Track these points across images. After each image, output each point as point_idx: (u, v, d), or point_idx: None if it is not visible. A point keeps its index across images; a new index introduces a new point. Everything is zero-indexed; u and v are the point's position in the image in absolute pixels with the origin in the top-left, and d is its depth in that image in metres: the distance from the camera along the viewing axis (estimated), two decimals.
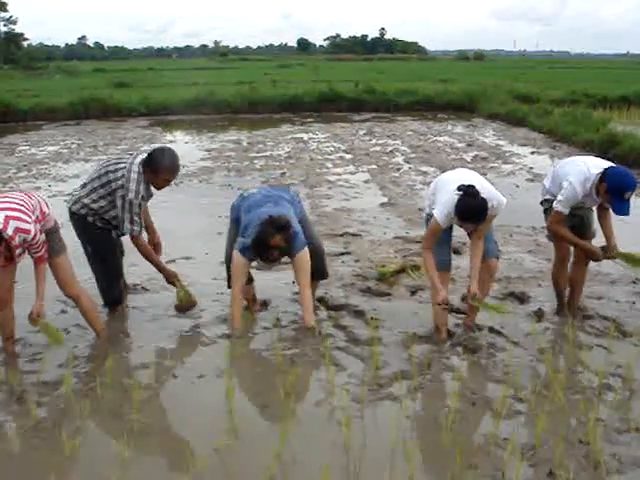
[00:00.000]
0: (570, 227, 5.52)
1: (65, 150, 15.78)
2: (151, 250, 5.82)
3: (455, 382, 4.64)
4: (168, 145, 5.34)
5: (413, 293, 6.46)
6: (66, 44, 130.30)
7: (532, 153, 14.99)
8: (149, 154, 5.68)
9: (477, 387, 4.68)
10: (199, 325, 5.75)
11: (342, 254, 7.55)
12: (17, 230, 4.51)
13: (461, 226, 5.10)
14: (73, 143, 16.96)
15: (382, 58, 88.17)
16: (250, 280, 5.93)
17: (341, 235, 8.32)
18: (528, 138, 17.25)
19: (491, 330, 5.55)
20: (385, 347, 5.27)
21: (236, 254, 5.48)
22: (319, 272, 5.89)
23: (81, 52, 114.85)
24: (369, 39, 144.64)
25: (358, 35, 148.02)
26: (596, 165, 5.31)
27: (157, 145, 5.63)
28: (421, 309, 6.06)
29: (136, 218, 5.51)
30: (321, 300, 6.22)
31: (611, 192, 5.12)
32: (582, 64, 67.96)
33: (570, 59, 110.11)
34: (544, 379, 4.74)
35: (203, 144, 16.76)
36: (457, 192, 4.91)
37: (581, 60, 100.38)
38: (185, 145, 16.80)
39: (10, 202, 4.66)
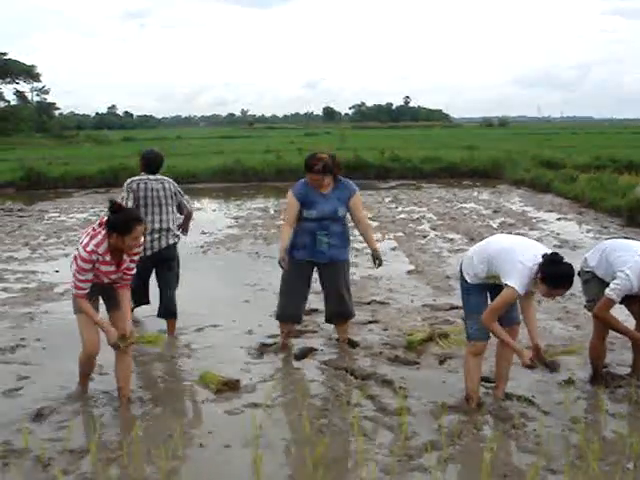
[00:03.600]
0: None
1: (94, 217, 15.93)
2: None
3: (486, 453, 4.53)
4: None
5: (442, 362, 6.40)
6: (96, 113, 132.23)
7: (559, 219, 14.94)
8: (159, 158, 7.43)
9: (509, 458, 4.61)
10: (226, 394, 5.71)
11: (370, 322, 7.52)
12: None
13: (544, 295, 5.04)
14: (102, 210, 17.09)
15: (407, 126, 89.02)
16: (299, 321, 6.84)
17: (368, 303, 8.28)
18: (554, 204, 17.23)
19: (522, 399, 5.47)
20: (414, 417, 5.20)
21: (289, 193, 6.49)
22: (348, 312, 6.78)
23: (111, 121, 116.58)
24: (394, 107, 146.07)
25: (383, 103, 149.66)
26: None
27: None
28: (450, 378, 6.00)
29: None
30: (349, 369, 6.17)
31: None
32: (606, 129, 67.99)
33: (594, 124, 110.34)
34: (577, 449, 4.65)
35: (230, 212, 16.90)
36: (535, 262, 4.87)
37: (605, 125, 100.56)
38: (212, 213, 16.99)
39: None
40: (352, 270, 9.90)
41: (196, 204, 18.56)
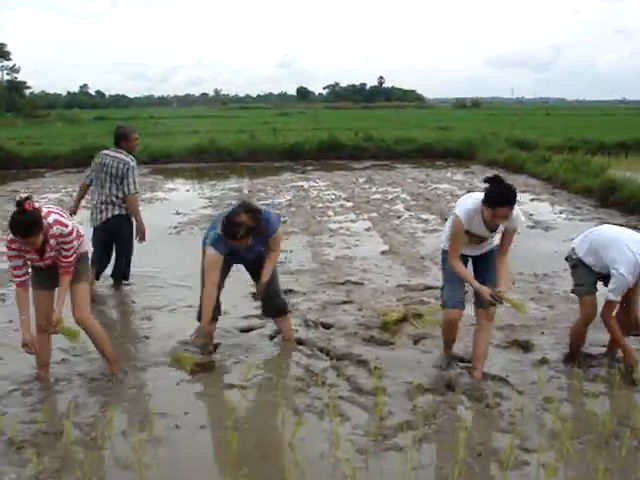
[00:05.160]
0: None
1: (67, 198, 15.74)
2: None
3: (461, 432, 4.56)
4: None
5: (416, 342, 6.42)
6: (68, 92, 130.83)
7: (532, 200, 15.01)
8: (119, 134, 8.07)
9: (483, 437, 4.64)
10: (200, 375, 5.70)
11: (344, 302, 7.52)
12: (56, 222, 5.06)
13: (491, 221, 5.20)
14: (75, 191, 16.83)
15: (381, 106, 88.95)
16: (215, 316, 6.05)
17: (343, 283, 8.29)
18: (527, 185, 17.29)
19: (496, 378, 5.51)
20: (389, 397, 5.22)
21: (209, 249, 5.73)
22: (283, 304, 6.35)
23: (82, 100, 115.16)
24: (368, 87, 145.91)
25: (357, 83, 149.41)
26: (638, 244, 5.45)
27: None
28: (424, 358, 6.02)
29: (137, 179, 7.91)
30: (324, 350, 6.19)
31: None
32: (579, 111, 68.37)
33: (567, 106, 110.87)
34: (551, 428, 4.70)
35: (204, 192, 16.79)
36: (478, 199, 5.24)
37: (578, 106, 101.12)
38: (186, 193, 16.86)
39: (53, 206, 5.41)
40: (327, 250, 10.06)
41: (170, 184, 18.48)
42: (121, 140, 7.97)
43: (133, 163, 7.87)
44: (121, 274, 8.31)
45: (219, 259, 5.71)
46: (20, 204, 4.81)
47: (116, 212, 7.87)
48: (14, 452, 4.47)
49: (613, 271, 5.36)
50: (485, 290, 5.28)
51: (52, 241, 5.08)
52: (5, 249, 5.10)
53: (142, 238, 8.16)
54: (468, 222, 5.26)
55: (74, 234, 5.19)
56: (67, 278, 5.28)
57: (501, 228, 5.37)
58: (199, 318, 5.96)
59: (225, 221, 5.51)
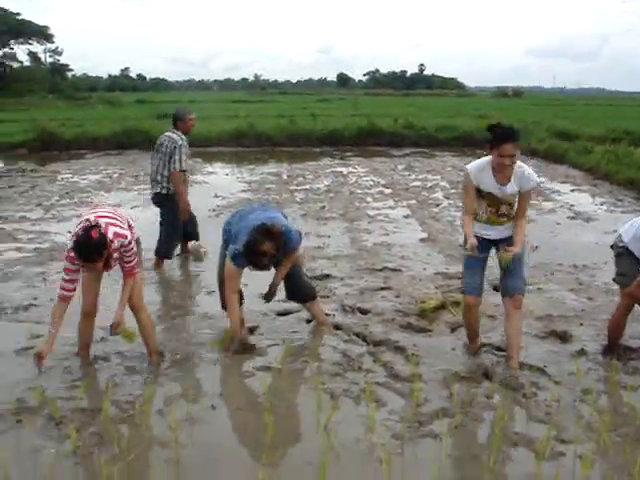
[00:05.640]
0: None
1: (107, 179, 15.95)
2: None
3: (497, 421, 4.55)
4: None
5: (453, 330, 6.39)
6: (109, 75, 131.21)
7: (572, 191, 14.84)
8: (174, 116, 8.56)
9: (519, 427, 4.62)
10: (237, 357, 5.73)
11: (382, 289, 7.51)
12: (116, 235, 5.07)
13: (499, 165, 5.29)
14: (115, 172, 17.13)
15: (421, 93, 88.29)
16: (240, 301, 6.09)
17: (381, 270, 8.28)
18: (568, 175, 17.10)
19: (533, 369, 5.47)
20: (425, 384, 5.21)
21: (228, 261, 5.78)
22: (307, 294, 6.36)
23: (123, 83, 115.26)
24: (408, 75, 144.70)
25: (397, 71, 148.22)
26: None
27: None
28: (461, 346, 6.00)
29: (184, 158, 8.23)
30: (361, 335, 6.19)
31: None
32: (622, 101, 67.28)
33: (608, 96, 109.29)
34: (588, 420, 4.66)
35: (243, 176, 16.84)
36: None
37: (620, 97, 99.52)
38: (225, 177, 16.92)
39: (106, 213, 5.36)
40: (365, 237, 10.05)
41: (209, 167, 18.56)
42: (177, 121, 8.45)
43: (181, 142, 8.23)
44: (162, 252, 8.53)
45: (239, 271, 5.81)
46: (88, 231, 4.82)
47: (157, 190, 8.40)
48: (54, 427, 4.55)
49: None
50: (473, 241, 5.34)
51: (115, 254, 5.12)
52: (65, 262, 5.09)
53: (184, 217, 8.50)
54: (478, 176, 5.39)
55: (133, 241, 5.27)
56: (130, 281, 5.36)
57: (515, 189, 5.37)
58: (223, 306, 6.12)
59: (247, 250, 5.51)
